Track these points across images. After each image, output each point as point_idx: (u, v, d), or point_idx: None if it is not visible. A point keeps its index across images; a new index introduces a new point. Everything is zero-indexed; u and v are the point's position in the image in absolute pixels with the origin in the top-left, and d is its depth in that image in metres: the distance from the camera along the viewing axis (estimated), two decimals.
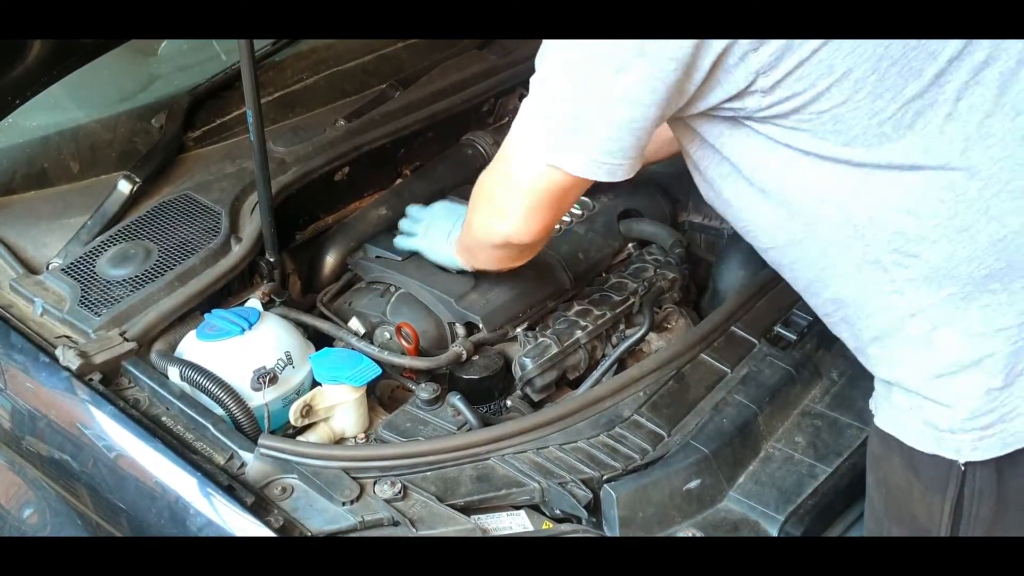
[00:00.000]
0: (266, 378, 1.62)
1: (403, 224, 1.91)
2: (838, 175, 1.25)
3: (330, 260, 1.99)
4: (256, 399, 1.62)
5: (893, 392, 1.35)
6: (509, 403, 1.75)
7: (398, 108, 2.25)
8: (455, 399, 1.64)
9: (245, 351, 1.65)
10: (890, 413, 1.36)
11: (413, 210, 1.91)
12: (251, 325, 1.68)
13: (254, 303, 1.78)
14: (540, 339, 1.79)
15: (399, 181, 2.23)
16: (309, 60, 2.41)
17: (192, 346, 1.68)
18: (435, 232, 1.82)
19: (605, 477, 1.50)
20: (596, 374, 1.78)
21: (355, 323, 1.83)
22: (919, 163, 1.22)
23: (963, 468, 1.30)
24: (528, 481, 1.49)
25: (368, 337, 1.81)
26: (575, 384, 1.83)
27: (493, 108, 2.44)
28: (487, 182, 1.47)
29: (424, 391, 1.65)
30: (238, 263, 1.81)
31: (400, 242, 1.89)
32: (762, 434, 1.63)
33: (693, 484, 1.52)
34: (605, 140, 1.27)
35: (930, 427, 1.31)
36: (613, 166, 1.30)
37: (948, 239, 1.24)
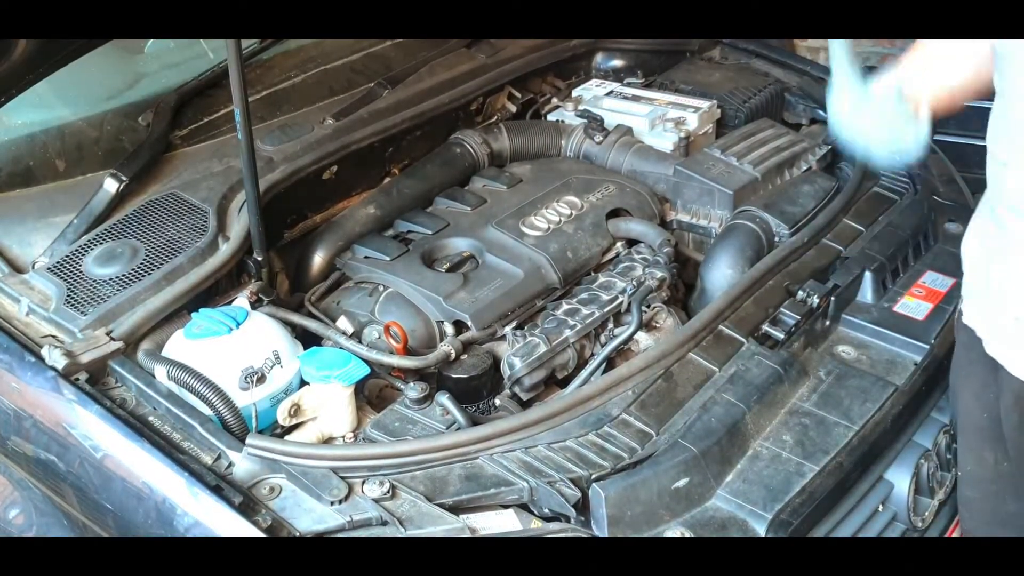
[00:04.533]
0: (254, 377, 1.62)
1: None
2: None
3: (318, 259, 1.99)
4: (244, 398, 1.61)
5: None
6: (498, 402, 1.75)
7: (386, 107, 2.25)
8: (444, 398, 1.63)
9: (233, 350, 1.65)
10: None
11: None
12: (239, 324, 1.67)
13: (242, 302, 1.77)
14: (529, 338, 1.79)
15: (387, 180, 2.23)
16: (297, 58, 2.41)
17: (179, 345, 1.67)
18: None
19: (593, 476, 1.51)
20: (585, 373, 1.78)
21: (343, 322, 1.83)
22: None
23: None
24: (517, 480, 1.49)
25: (356, 336, 1.81)
26: (564, 383, 1.83)
27: (481, 107, 2.44)
28: None
29: (412, 390, 1.65)
30: (226, 262, 1.81)
31: None
32: (750, 433, 1.64)
33: (681, 483, 1.53)
34: None
35: None
36: None
37: None
